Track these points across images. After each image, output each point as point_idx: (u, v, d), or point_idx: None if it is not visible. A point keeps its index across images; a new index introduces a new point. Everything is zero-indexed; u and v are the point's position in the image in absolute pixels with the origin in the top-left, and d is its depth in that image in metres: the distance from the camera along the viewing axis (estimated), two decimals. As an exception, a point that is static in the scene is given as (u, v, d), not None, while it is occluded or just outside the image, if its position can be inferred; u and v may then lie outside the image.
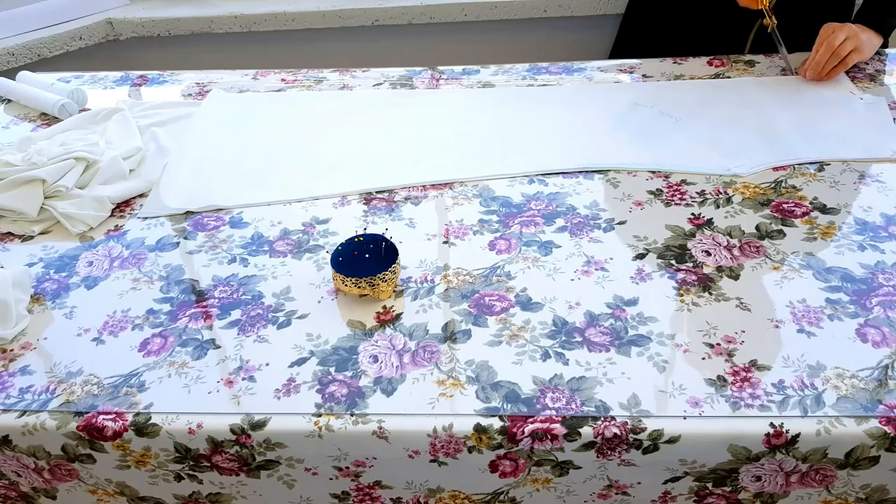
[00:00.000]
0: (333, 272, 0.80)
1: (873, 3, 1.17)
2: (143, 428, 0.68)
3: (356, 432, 0.67)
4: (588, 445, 0.66)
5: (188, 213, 0.97)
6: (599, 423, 0.66)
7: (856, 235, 0.85)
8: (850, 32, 1.12)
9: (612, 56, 1.48)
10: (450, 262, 0.85)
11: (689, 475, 0.69)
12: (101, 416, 0.69)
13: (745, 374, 0.69)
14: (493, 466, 0.69)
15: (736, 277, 0.80)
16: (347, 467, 0.70)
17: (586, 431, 0.65)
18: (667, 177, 0.97)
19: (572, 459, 0.68)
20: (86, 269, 0.88)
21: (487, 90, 1.21)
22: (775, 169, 0.97)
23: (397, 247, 0.81)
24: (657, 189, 0.95)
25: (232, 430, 0.68)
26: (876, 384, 0.67)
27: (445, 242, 0.88)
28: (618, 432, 0.65)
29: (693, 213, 0.90)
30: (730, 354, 0.71)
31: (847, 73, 1.16)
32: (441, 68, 1.29)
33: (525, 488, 0.72)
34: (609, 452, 0.67)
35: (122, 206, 0.99)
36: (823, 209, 0.90)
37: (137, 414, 0.69)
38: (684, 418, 0.66)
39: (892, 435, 0.64)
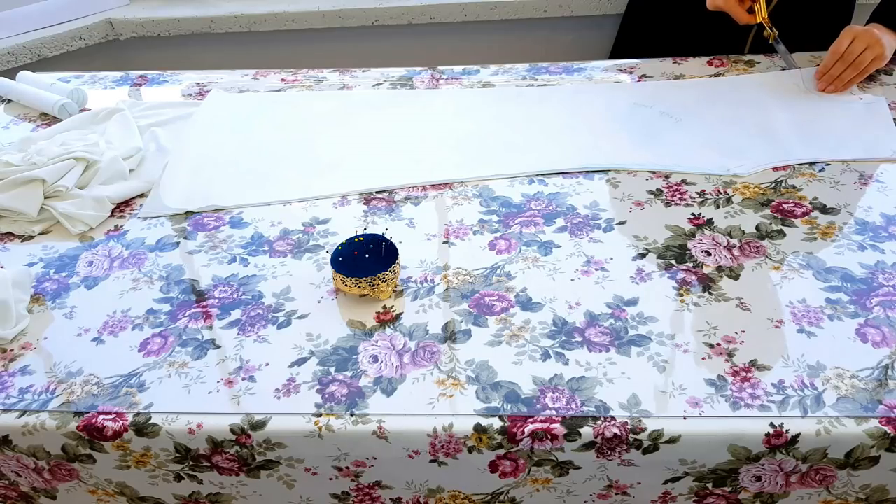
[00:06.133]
0: (333, 272, 0.80)
1: (890, 2, 1.11)
2: (143, 428, 0.68)
3: (356, 432, 0.67)
4: (588, 445, 0.66)
5: (188, 213, 0.97)
6: (599, 423, 0.66)
7: (856, 235, 0.85)
8: (870, 40, 1.07)
9: (612, 56, 1.48)
10: (450, 262, 0.85)
11: (689, 475, 0.69)
12: (101, 416, 0.69)
13: (745, 374, 0.69)
14: (493, 466, 0.69)
15: (736, 277, 0.80)
16: (347, 467, 0.70)
17: (586, 431, 0.65)
18: (667, 177, 0.97)
19: (572, 459, 0.68)
20: (86, 269, 0.88)
21: (487, 90, 1.21)
22: (775, 169, 0.97)
23: (397, 247, 0.81)
24: (657, 189, 0.95)
25: (232, 430, 0.68)
26: (876, 384, 0.67)
27: (445, 242, 0.88)
28: (618, 432, 0.65)
29: (693, 213, 0.90)
30: (730, 354, 0.71)
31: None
32: (441, 68, 1.29)
33: (525, 488, 0.72)
34: (609, 452, 0.67)
35: (122, 206, 0.99)
36: (823, 209, 0.90)
37: (137, 414, 0.69)
38: (684, 418, 0.66)
39: (892, 435, 0.64)
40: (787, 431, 0.64)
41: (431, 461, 0.69)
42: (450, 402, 0.69)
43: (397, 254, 0.81)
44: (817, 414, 0.65)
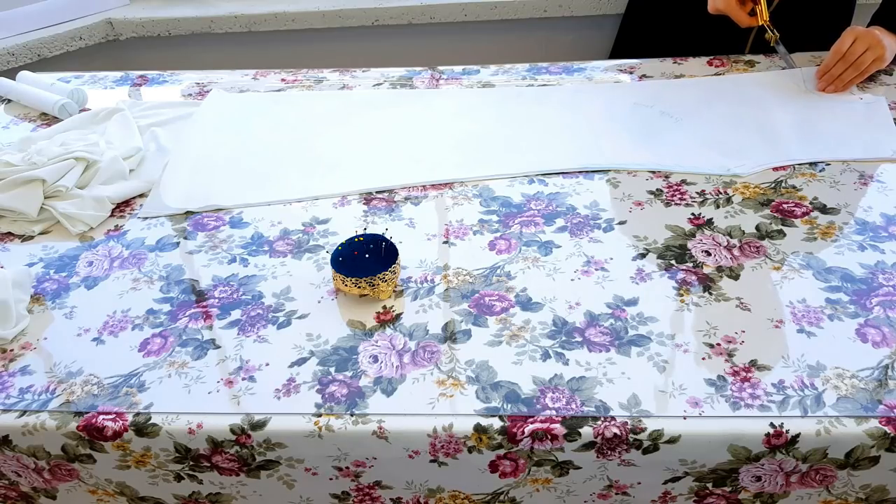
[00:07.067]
0: (333, 272, 0.80)
1: (891, 4, 1.11)
2: (143, 428, 0.68)
3: (356, 432, 0.67)
4: (588, 445, 0.66)
5: (188, 213, 0.97)
6: (599, 423, 0.66)
7: (856, 235, 0.85)
8: (871, 41, 1.07)
9: (612, 56, 1.48)
10: (450, 262, 0.85)
11: (689, 475, 0.69)
12: (101, 416, 0.69)
13: (745, 374, 0.69)
14: (493, 466, 0.69)
15: (736, 277, 0.80)
16: (347, 467, 0.70)
17: (586, 431, 0.65)
18: (667, 177, 0.97)
19: (572, 459, 0.68)
20: (86, 269, 0.88)
21: (487, 90, 1.21)
22: (775, 169, 0.97)
23: (397, 247, 0.81)
24: (657, 189, 0.95)
25: (232, 430, 0.68)
26: (876, 384, 0.67)
27: (445, 242, 0.88)
28: (618, 432, 0.65)
29: (693, 213, 0.90)
30: (730, 354, 0.71)
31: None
32: (441, 68, 1.29)
33: (525, 488, 0.72)
34: (609, 452, 0.67)
35: (122, 206, 0.99)
36: (823, 209, 0.90)
37: (137, 414, 0.69)
38: (684, 418, 0.66)
39: (892, 435, 0.64)
40: (787, 431, 0.64)
41: (431, 461, 0.69)
42: (450, 402, 0.69)
43: (397, 254, 0.81)
44: (817, 414, 0.65)
